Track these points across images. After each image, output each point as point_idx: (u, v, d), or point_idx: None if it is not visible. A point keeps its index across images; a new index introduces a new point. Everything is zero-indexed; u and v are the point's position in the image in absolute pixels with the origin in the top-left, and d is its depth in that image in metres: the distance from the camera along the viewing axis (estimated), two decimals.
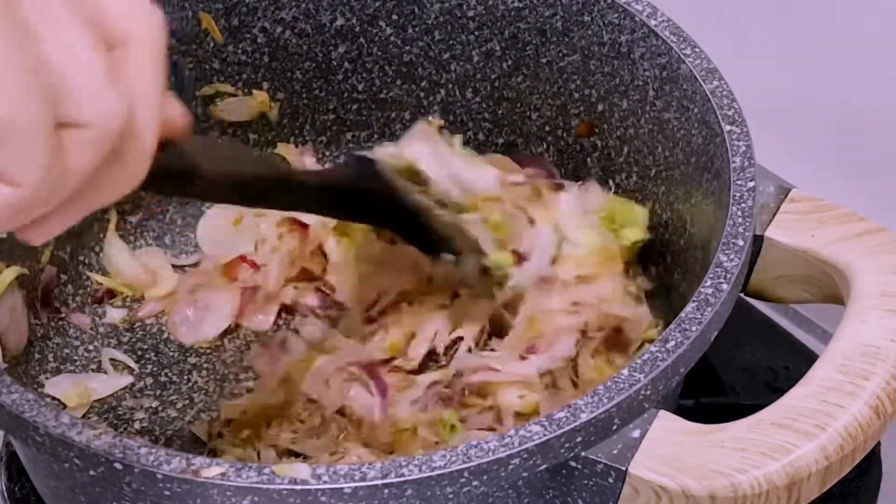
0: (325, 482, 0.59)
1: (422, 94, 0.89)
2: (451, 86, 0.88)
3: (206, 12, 0.84)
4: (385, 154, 0.75)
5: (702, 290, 0.66)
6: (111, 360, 0.82)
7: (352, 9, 0.86)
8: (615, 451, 0.62)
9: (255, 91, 0.88)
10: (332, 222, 0.83)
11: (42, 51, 0.44)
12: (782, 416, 0.63)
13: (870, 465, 0.79)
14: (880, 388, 0.64)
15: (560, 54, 0.84)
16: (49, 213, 0.48)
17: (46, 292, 0.82)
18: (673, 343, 0.64)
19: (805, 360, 0.76)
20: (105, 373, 0.82)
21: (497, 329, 0.79)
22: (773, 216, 0.72)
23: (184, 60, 0.85)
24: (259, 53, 0.87)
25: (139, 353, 0.83)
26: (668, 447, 0.62)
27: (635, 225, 0.80)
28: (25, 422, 0.62)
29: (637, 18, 0.78)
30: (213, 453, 0.77)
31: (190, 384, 0.82)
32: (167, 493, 0.60)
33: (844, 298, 0.69)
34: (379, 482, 0.59)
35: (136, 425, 0.80)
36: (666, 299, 0.82)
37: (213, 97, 0.87)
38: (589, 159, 0.86)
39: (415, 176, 0.75)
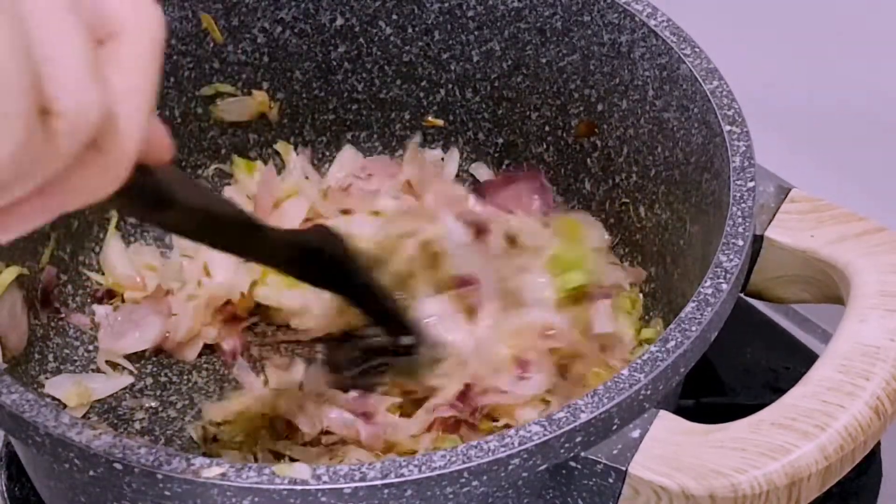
0: (324, 482, 0.59)
1: (422, 94, 0.89)
2: (450, 86, 0.88)
3: (206, 12, 0.84)
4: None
5: (701, 290, 0.66)
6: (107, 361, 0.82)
7: (352, 9, 0.86)
8: (615, 452, 0.62)
9: (254, 91, 0.88)
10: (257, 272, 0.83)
11: (33, 35, 0.44)
12: (782, 416, 0.63)
13: (870, 465, 0.79)
14: (880, 387, 0.64)
15: (560, 54, 0.84)
16: (19, 203, 0.46)
17: (46, 292, 0.82)
18: (673, 343, 0.64)
19: (805, 360, 0.76)
20: (105, 373, 0.82)
21: None
22: (773, 216, 0.72)
23: (185, 60, 0.85)
24: (259, 53, 0.87)
25: (139, 353, 0.83)
26: (668, 447, 0.62)
27: (578, 269, 0.81)
28: (25, 422, 0.62)
29: (637, 18, 0.78)
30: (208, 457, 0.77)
31: (190, 384, 0.82)
32: (167, 493, 0.60)
33: (844, 298, 0.69)
34: (379, 482, 0.59)
35: (136, 425, 0.80)
36: (666, 299, 0.82)
37: (213, 97, 0.87)
38: (589, 159, 0.86)
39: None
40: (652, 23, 0.78)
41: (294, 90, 0.89)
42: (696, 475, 0.61)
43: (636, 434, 0.63)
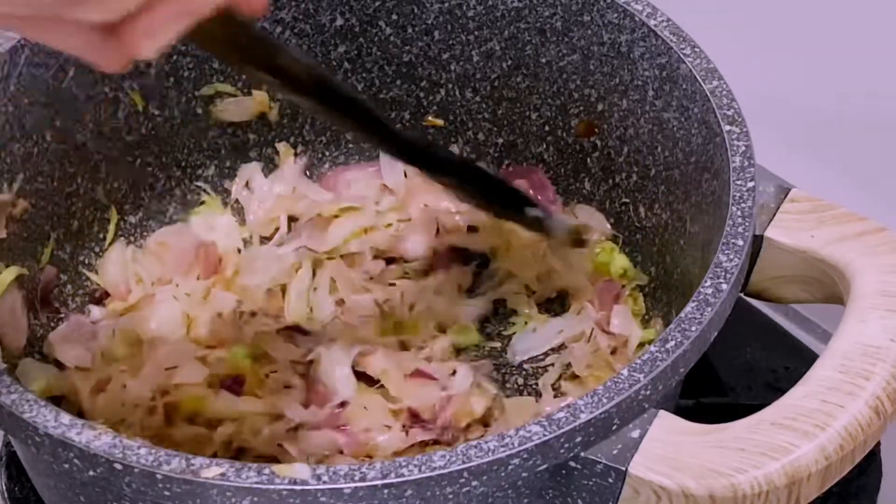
0: (324, 482, 0.59)
1: (422, 94, 0.89)
2: (450, 86, 0.88)
3: None
4: None
5: (701, 290, 0.66)
6: None
7: (351, 9, 0.86)
8: (615, 452, 0.62)
9: (254, 91, 0.88)
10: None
11: None
12: (782, 416, 0.63)
13: (870, 465, 0.79)
14: (880, 387, 0.64)
15: (560, 54, 0.84)
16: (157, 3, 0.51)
17: (46, 292, 0.82)
18: (673, 343, 0.64)
19: (805, 360, 0.75)
20: None
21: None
22: (773, 216, 0.72)
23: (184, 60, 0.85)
24: None
25: None
26: (668, 447, 0.62)
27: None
28: (25, 422, 0.62)
29: (637, 18, 0.78)
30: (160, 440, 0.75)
31: None
32: (167, 493, 0.60)
33: (844, 298, 0.69)
34: (379, 482, 0.59)
35: None
36: (666, 299, 0.82)
37: (213, 97, 0.87)
38: (589, 159, 0.86)
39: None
40: (652, 23, 0.78)
41: None
42: (695, 475, 0.61)
43: (636, 434, 0.63)
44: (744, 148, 0.71)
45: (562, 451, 0.61)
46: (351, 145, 0.91)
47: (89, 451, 0.60)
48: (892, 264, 0.69)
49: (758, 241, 0.71)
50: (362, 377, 0.79)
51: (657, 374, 0.63)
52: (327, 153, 0.91)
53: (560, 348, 0.82)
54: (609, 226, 0.86)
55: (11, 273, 0.78)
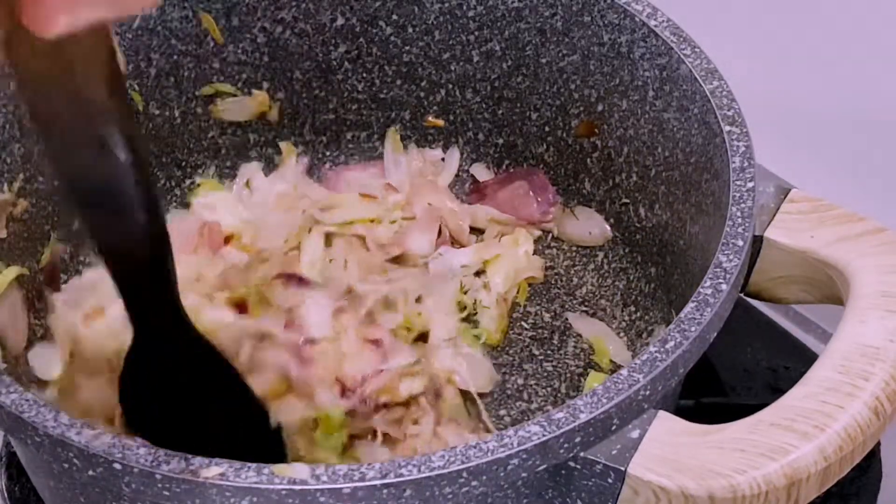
0: (323, 482, 0.59)
1: (422, 94, 0.89)
2: (450, 86, 0.88)
3: (206, 12, 0.84)
4: None
5: (701, 290, 0.66)
6: None
7: (352, 9, 0.86)
8: (614, 452, 0.62)
9: (254, 91, 0.88)
10: None
11: None
12: (781, 417, 0.63)
13: (870, 465, 0.79)
14: (880, 388, 0.64)
15: (560, 54, 0.84)
16: None
17: (53, 274, 0.82)
18: (672, 343, 0.64)
19: (805, 360, 0.76)
20: None
21: None
22: (773, 216, 0.72)
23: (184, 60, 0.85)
24: (259, 53, 0.87)
25: None
26: (668, 448, 0.62)
27: None
28: (25, 422, 0.62)
29: (637, 19, 0.78)
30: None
31: None
32: (166, 493, 0.60)
33: (844, 298, 0.69)
34: (378, 482, 0.59)
35: None
36: (666, 299, 0.82)
37: (213, 97, 0.87)
38: (589, 159, 0.86)
39: None
40: (652, 23, 0.78)
41: (294, 90, 0.89)
42: (695, 476, 0.61)
43: (635, 434, 0.63)
44: (744, 148, 0.72)
45: (561, 451, 0.61)
46: (351, 145, 0.91)
47: (88, 451, 0.60)
48: (891, 264, 0.69)
49: (758, 242, 0.71)
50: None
51: (657, 375, 0.63)
52: (328, 153, 0.91)
53: None
54: (609, 228, 0.86)
55: (11, 273, 0.78)
